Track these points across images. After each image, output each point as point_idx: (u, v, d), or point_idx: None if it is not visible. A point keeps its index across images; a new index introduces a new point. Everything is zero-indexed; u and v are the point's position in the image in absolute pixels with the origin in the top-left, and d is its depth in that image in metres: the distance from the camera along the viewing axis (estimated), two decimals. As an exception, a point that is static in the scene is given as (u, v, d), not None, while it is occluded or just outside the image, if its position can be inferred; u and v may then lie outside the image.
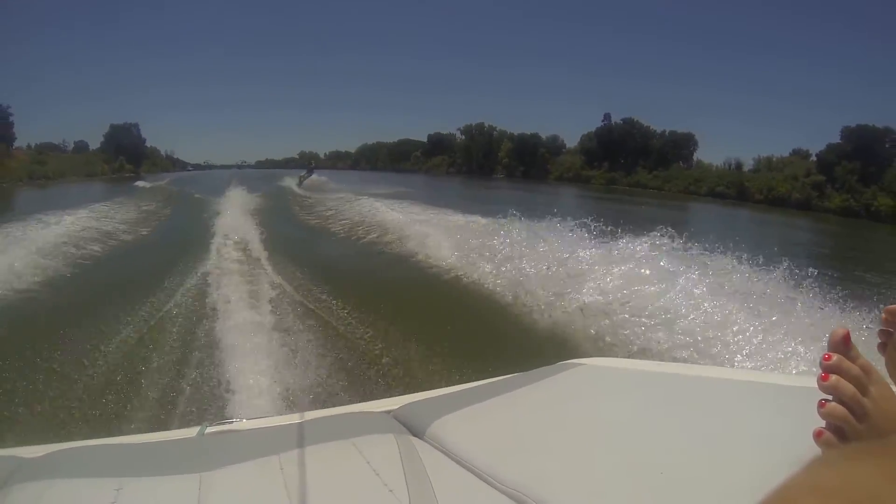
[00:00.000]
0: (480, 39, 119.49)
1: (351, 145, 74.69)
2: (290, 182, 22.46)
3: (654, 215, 16.90)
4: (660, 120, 79.14)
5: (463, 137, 58.24)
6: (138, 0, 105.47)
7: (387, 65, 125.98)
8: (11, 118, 38.69)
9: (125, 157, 43.38)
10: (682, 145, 43.65)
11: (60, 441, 1.16)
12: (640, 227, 6.13)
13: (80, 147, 47.24)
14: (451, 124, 65.48)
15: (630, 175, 41.71)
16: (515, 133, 54.09)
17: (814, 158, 37.92)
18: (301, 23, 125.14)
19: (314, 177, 24.33)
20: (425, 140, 65.55)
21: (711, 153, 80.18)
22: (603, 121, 49.05)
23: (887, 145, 34.13)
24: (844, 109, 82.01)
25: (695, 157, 45.12)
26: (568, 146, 52.61)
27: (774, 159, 40.78)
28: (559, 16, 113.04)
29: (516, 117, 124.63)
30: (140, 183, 26.28)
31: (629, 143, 44.15)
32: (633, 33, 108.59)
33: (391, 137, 74.45)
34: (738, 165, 42.28)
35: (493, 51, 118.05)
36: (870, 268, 10.14)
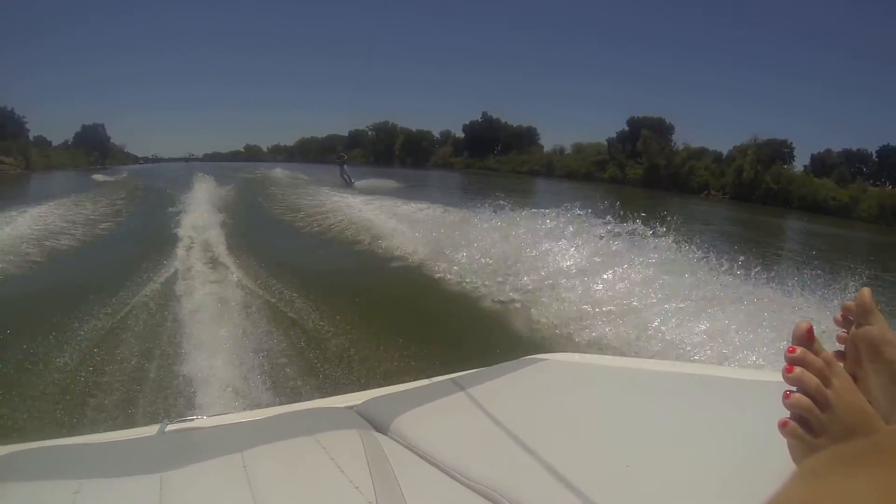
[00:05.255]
0: (402, 48, 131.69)
1: (289, 139, 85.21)
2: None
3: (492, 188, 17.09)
4: (525, 114, 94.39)
5: (373, 133, 69.27)
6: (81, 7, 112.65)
7: (318, 66, 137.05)
8: (26, 124, 49.58)
9: (97, 152, 54.35)
10: (524, 136, 57.65)
11: (14, 442, 1.10)
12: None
13: (39, 141, 53.17)
14: (368, 120, 76.76)
15: (482, 160, 54.76)
16: (413, 129, 65.72)
17: (604, 142, 48.48)
18: (243, 25, 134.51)
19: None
20: (347, 135, 76.26)
21: (554, 139, 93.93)
22: (481, 117, 61.52)
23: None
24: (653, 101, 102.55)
25: (541, 143, 57.75)
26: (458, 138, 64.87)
27: (585, 143, 51.05)
28: (455, 16, 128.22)
29: (423, 113, 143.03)
30: (97, 176, 27.35)
31: (487, 136, 58.25)
32: (516, 31, 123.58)
33: (322, 132, 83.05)
34: (562, 150, 52.96)
35: (407, 57, 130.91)
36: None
